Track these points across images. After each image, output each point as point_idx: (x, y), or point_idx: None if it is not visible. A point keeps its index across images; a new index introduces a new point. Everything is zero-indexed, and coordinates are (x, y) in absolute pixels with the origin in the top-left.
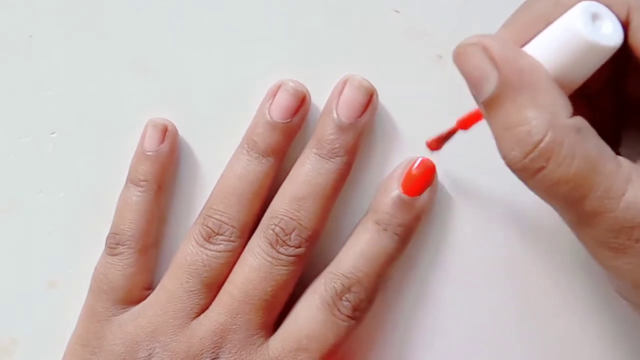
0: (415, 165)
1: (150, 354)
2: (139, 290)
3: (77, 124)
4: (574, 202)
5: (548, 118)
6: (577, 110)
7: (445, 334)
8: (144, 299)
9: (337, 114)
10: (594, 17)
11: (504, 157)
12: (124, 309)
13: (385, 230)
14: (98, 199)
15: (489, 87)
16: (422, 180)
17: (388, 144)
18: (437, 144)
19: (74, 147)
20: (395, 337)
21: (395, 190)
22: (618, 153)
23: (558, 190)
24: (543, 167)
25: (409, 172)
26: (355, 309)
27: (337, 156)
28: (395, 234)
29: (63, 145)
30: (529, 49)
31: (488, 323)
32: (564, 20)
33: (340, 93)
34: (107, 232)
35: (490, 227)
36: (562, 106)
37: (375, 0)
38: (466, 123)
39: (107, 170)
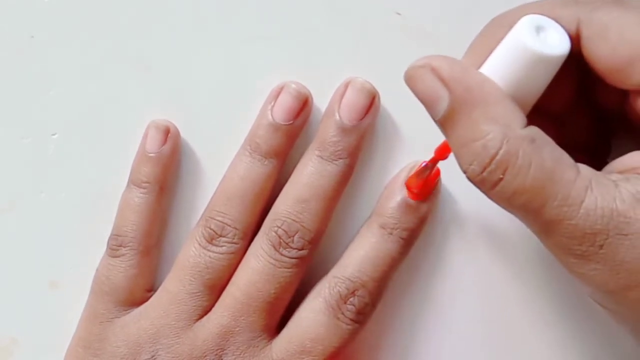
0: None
1: (152, 356)
2: (141, 291)
3: (78, 124)
4: (534, 212)
5: (502, 130)
6: (549, 132)
7: (448, 337)
8: (146, 301)
9: (340, 116)
10: (538, 29)
11: (464, 172)
12: (125, 310)
13: (391, 234)
14: (99, 200)
15: (442, 106)
16: (427, 184)
17: (390, 146)
18: (414, 180)
19: (75, 148)
20: (398, 340)
21: (400, 194)
22: (605, 162)
23: (517, 201)
24: (501, 179)
25: (414, 176)
26: (359, 312)
27: (340, 158)
28: (401, 238)
29: (64, 146)
30: (483, 68)
31: (491, 326)
32: (510, 35)
33: (343, 95)
34: (108, 233)
35: (494, 230)
36: (516, 118)
37: (377, 3)
38: (443, 151)
39: (109, 171)
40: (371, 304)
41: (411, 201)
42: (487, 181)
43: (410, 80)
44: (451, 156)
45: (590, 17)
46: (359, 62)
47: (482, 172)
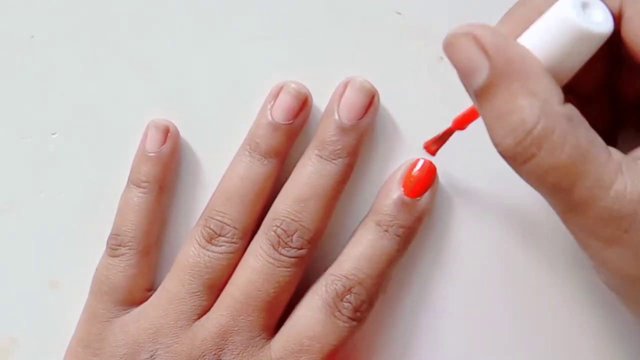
0: (417, 166)
1: (152, 356)
2: (140, 291)
3: (78, 124)
4: (564, 190)
5: (540, 106)
6: None
7: (447, 335)
8: (145, 300)
9: (339, 116)
10: (584, 5)
11: (497, 145)
12: (125, 310)
13: (387, 231)
14: (99, 200)
15: (481, 76)
16: (424, 181)
17: (389, 146)
18: (434, 145)
19: (75, 148)
20: (397, 338)
21: (397, 192)
22: None
23: (549, 178)
24: (534, 155)
25: (410, 174)
26: (356, 310)
27: (339, 157)
28: (397, 235)
29: (64, 145)
30: (522, 39)
31: (490, 323)
32: (554, 9)
33: (342, 95)
34: (108, 232)
35: (491, 227)
36: (554, 94)
37: (377, 2)
38: (462, 122)
39: (109, 171)
40: (368, 301)
41: (407, 198)
42: (520, 156)
43: (449, 47)
44: (452, 156)
45: None
46: (359, 61)
47: (516, 146)
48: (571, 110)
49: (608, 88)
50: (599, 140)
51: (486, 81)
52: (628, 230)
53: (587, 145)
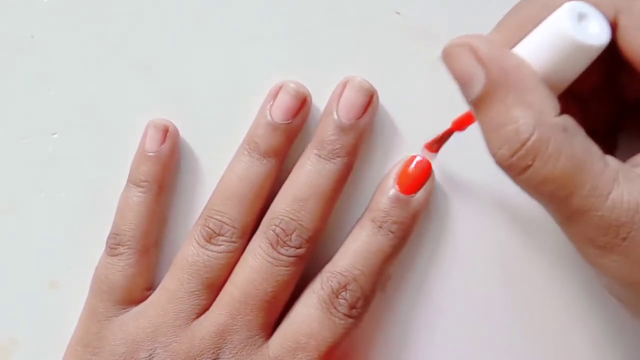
0: (412, 164)
1: (150, 355)
2: (139, 290)
3: (78, 124)
4: (561, 200)
5: (535, 117)
6: (569, 113)
7: (445, 333)
8: (144, 300)
9: (338, 115)
10: (580, 16)
11: (493, 155)
12: (124, 309)
13: (381, 227)
14: (99, 200)
15: (477, 87)
16: (418, 178)
17: (388, 145)
18: (434, 145)
19: (75, 148)
20: (395, 336)
21: (392, 189)
22: (613, 155)
23: (544, 188)
24: (529, 165)
25: (405, 170)
26: (351, 307)
27: (338, 157)
28: (391, 231)
29: (64, 145)
30: (518, 49)
31: (487, 321)
32: (550, 20)
33: (341, 94)
34: (108, 232)
35: (488, 225)
36: (550, 105)
37: (376, 2)
38: (461, 124)
39: (108, 170)
40: (364, 298)
41: (402, 195)
42: (515, 166)
43: (447, 57)
44: (449, 154)
45: (630, 6)
46: (358, 61)
47: (511, 157)
48: (567, 120)
49: (608, 90)
50: (595, 149)
51: (482, 91)
52: (626, 238)
53: (583, 155)
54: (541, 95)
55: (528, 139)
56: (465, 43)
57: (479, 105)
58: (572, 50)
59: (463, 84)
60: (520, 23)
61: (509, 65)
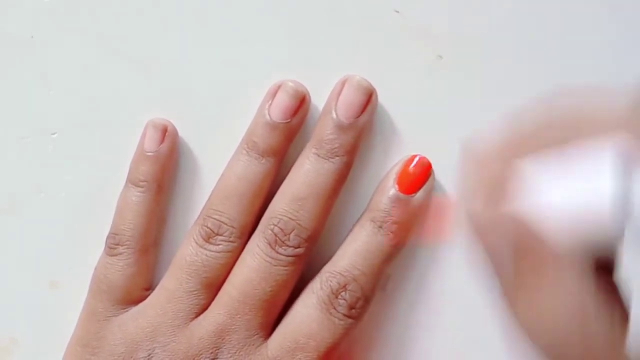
0: (412, 163)
1: (149, 355)
2: (138, 290)
3: (77, 124)
4: None
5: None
6: None
7: (445, 332)
8: (144, 299)
9: (337, 114)
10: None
11: None
12: (123, 309)
13: (381, 227)
14: (99, 199)
15: None
16: (419, 177)
17: (387, 144)
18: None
19: (74, 148)
20: (395, 336)
21: (392, 188)
22: None
23: None
24: None
25: (406, 170)
26: (351, 307)
27: (337, 156)
28: (390, 231)
29: (64, 145)
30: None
31: (487, 321)
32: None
33: (340, 93)
34: (107, 232)
35: None
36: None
37: (375, 0)
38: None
39: (108, 170)
40: (363, 298)
41: (402, 195)
42: None
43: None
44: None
45: None
46: (357, 59)
47: None
48: None
49: None
50: None
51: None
52: None
53: None
54: None
55: None
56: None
57: None
58: None
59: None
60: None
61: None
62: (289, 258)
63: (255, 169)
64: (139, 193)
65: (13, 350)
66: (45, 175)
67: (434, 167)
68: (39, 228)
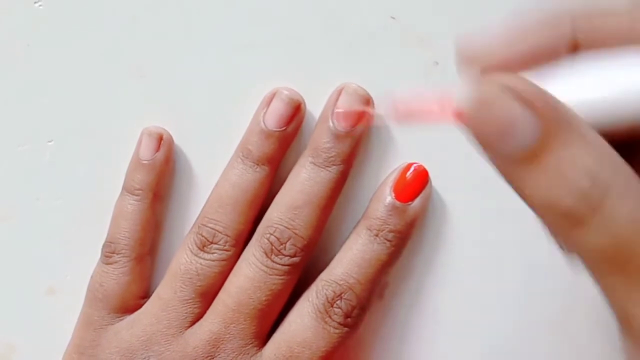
0: (409, 171)
1: None
2: (134, 298)
3: (74, 132)
4: (618, 267)
5: (593, 174)
6: None
7: (443, 339)
8: (139, 308)
9: (333, 123)
10: None
11: (553, 205)
12: (119, 317)
13: (377, 236)
14: (95, 207)
15: (528, 136)
16: (415, 186)
17: (384, 153)
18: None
19: (71, 155)
20: (392, 343)
21: (388, 196)
22: None
23: (600, 253)
24: (587, 225)
25: (402, 178)
26: (346, 315)
27: (333, 165)
28: (387, 240)
29: (60, 153)
30: (561, 91)
31: (485, 327)
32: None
33: (336, 101)
34: (104, 239)
35: (486, 232)
36: (610, 158)
37: (371, 7)
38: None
39: (105, 177)
40: (359, 307)
41: (398, 203)
42: (569, 226)
43: (483, 106)
44: (445, 162)
45: None
46: (353, 67)
47: (572, 208)
48: (627, 174)
49: None
50: None
51: (539, 140)
52: None
53: None
54: (601, 148)
55: (587, 195)
56: (505, 86)
57: (534, 157)
58: None
59: (504, 135)
60: (536, 49)
61: (564, 114)
62: (285, 267)
63: (250, 177)
64: (134, 201)
65: (10, 356)
66: (41, 183)
67: (430, 175)
68: (36, 235)
